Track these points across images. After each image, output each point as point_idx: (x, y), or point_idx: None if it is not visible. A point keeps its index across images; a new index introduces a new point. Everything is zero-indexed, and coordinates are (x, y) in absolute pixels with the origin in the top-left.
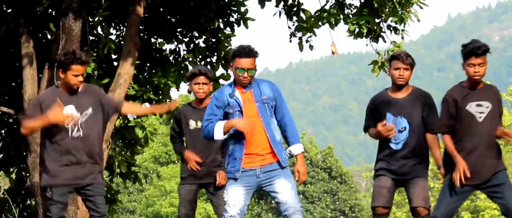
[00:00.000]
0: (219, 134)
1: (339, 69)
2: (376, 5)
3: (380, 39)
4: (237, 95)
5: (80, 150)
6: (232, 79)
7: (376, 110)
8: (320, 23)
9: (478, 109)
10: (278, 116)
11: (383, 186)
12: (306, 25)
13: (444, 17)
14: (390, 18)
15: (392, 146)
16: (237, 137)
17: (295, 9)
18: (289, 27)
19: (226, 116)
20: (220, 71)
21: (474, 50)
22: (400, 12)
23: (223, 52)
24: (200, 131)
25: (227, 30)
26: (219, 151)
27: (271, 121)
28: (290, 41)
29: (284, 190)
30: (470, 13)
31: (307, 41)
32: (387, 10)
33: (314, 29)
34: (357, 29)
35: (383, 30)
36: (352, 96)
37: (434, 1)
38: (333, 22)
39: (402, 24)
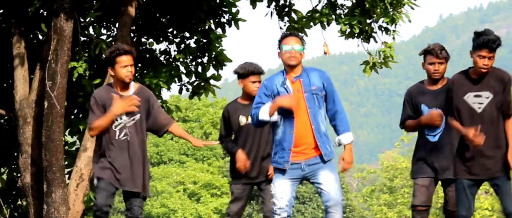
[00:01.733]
0: (264, 114)
1: (330, 69)
2: (367, 6)
3: (371, 39)
4: (288, 84)
5: (125, 152)
6: (281, 67)
7: (412, 101)
8: (311, 23)
9: (476, 100)
10: (328, 105)
11: (422, 185)
12: (297, 25)
13: (436, 17)
14: (382, 19)
15: (429, 138)
16: (285, 126)
17: (286, 9)
18: (280, 28)
19: None
20: (211, 71)
21: (488, 44)
22: (391, 13)
23: (214, 53)
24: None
25: (218, 31)
26: (270, 145)
27: (318, 112)
28: None
29: (327, 181)
30: (462, 13)
31: None
32: (378, 10)
33: (306, 29)
34: (348, 30)
35: (374, 30)
36: (344, 97)
37: (425, 2)
38: (325, 23)
39: (394, 24)
